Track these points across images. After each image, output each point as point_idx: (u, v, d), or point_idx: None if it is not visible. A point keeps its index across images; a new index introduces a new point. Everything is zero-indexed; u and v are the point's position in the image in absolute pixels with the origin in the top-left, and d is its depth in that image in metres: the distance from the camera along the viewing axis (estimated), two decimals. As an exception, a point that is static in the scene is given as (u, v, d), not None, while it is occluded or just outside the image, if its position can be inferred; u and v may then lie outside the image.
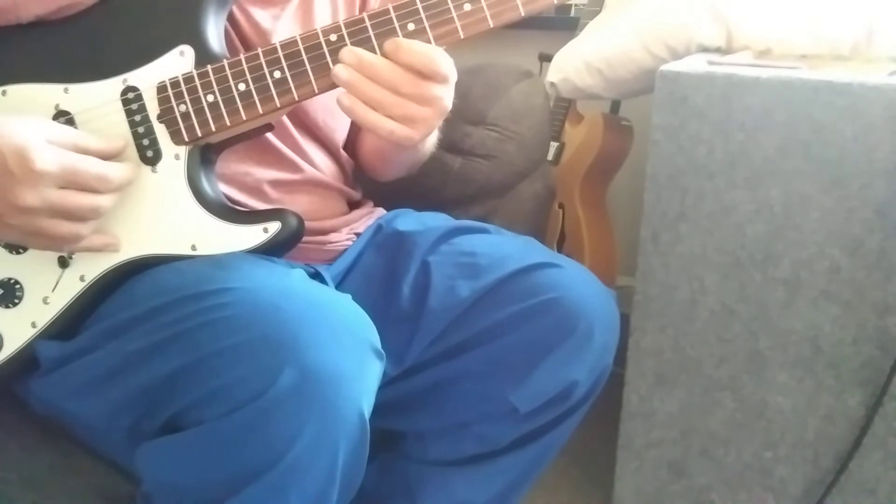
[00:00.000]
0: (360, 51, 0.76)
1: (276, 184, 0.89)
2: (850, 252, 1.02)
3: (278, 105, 0.78)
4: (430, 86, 0.76)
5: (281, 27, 0.88)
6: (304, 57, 0.77)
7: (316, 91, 0.78)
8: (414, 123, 0.77)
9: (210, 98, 0.78)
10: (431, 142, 0.97)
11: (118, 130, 0.78)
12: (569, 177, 1.73)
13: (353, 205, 1.02)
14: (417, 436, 0.98)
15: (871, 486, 1.08)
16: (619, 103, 1.81)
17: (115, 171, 0.74)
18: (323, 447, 0.66)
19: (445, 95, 0.78)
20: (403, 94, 0.76)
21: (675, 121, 1.06)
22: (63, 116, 0.78)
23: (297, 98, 0.78)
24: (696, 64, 1.08)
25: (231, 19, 0.84)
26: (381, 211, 1.05)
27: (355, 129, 1.01)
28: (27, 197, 0.69)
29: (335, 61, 0.77)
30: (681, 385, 1.15)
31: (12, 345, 0.78)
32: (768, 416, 1.11)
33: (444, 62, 0.76)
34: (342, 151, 0.99)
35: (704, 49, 1.23)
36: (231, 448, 0.66)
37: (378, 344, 0.71)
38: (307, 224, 0.82)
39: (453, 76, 0.78)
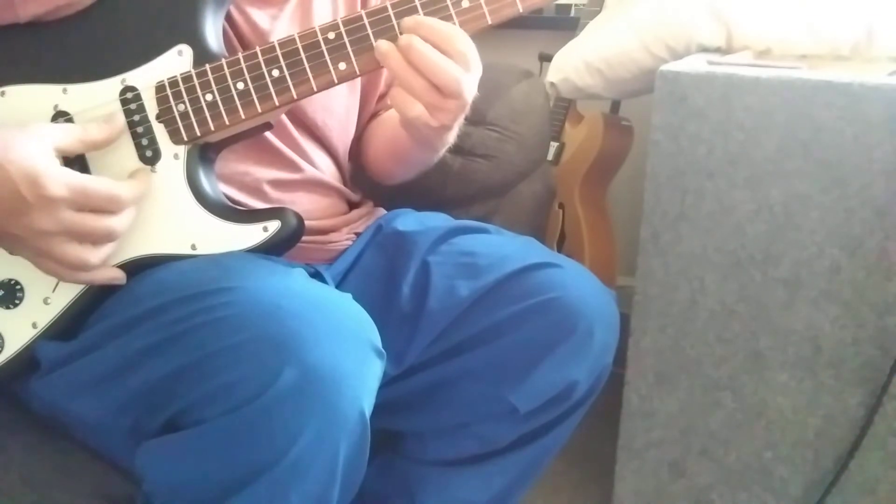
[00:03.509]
0: (412, 36, 0.76)
1: (275, 183, 0.89)
2: (850, 252, 1.02)
3: (277, 104, 0.78)
4: (458, 77, 0.76)
5: (279, 28, 0.88)
6: (303, 55, 0.77)
7: (315, 89, 0.78)
8: (437, 112, 0.78)
9: (208, 97, 0.77)
10: (446, 142, 0.96)
11: None
12: (569, 177, 1.73)
13: (353, 205, 1.02)
14: (417, 436, 0.98)
15: (871, 486, 1.08)
16: (619, 103, 1.81)
17: (125, 191, 0.74)
18: (324, 446, 0.66)
19: (467, 86, 0.78)
20: (435, 82, 0.76)
21: (675, 121, 1.06)
22: (62, 117, 0.78)
23: (295, 97, 0.78)
24: (696, 64, 1.08)
25: (229, 20, 0.84)
26: (381, 211, 1.05)
27: (366, 131, 1.01)
28: (43, 221, 0.70)
29: (334, 59, 0.77)
30: (681, 385, 1.15)
31: (13, 346, 0.78)
32: (768, 416, 1.11)
33: (462, 40, 0.76)
34: (340, 151, 0.99)
35: (704, 49, 1.23)
36: (232, 447, 0.66)
37: (379, 343, 0.71)
38: (307, 224, 0.83)
39: (474, 60, 0.78)
